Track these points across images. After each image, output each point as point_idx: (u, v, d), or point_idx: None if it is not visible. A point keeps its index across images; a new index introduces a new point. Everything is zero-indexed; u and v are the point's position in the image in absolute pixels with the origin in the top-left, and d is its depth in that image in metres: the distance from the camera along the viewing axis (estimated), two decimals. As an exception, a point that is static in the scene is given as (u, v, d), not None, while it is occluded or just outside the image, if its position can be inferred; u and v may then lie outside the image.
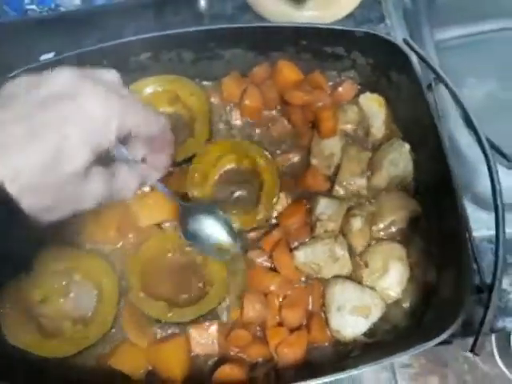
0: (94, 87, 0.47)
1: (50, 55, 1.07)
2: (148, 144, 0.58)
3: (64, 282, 0.77)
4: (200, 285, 0.78)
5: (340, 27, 0.85)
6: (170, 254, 0.79)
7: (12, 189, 0.42)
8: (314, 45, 0.90)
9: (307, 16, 1.08)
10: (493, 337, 1.68)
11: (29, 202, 0.44)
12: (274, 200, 0.81)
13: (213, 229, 0.74)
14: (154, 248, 0.78)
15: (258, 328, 0.76)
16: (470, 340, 0.88)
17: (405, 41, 0.82)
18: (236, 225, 0.78)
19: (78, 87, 0.47)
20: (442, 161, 0.75)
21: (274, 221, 0.85)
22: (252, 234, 0.81)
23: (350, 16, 1.10)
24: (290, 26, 0.87)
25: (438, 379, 1.65)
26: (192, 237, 0.73)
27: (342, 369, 0.64)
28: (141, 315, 0.75)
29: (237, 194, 0.86)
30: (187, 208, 0.73)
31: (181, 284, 0.78)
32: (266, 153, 0.84)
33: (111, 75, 0.52)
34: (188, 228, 0.73)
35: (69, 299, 0.77)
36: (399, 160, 0.83)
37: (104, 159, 0.51)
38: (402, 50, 0.82)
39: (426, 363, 1.67)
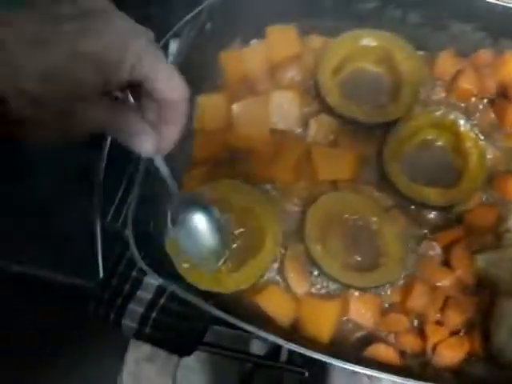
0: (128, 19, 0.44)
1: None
2: (161, 110, 0.49)
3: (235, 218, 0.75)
4: (373, 253, 0.73)
5: None
6: (346, 215, 0.75)
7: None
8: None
9: None
10: None
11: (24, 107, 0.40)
12: (477, 185, 0.76)
13: (206, 230, 0.62)
14: (333, 203, 0.75)
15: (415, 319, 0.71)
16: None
17: None
18: (435, 200, 0.75)
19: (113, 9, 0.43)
20: None
21: (452, 215, 0.78)
22: (434, 215, 0.76)
23: None
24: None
25: None
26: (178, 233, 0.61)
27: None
28: (304, 265, 0.72)
29: (431, 167, 0.81)
30: (185, 199, 0.60)
31: (354, 247, 0.75)
32: (480, 136, 0.77)
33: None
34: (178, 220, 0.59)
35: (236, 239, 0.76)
36: None
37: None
38: None
39: None
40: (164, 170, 0.52)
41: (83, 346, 1.20)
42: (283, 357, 0.90)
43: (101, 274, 0.74)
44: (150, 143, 0.46)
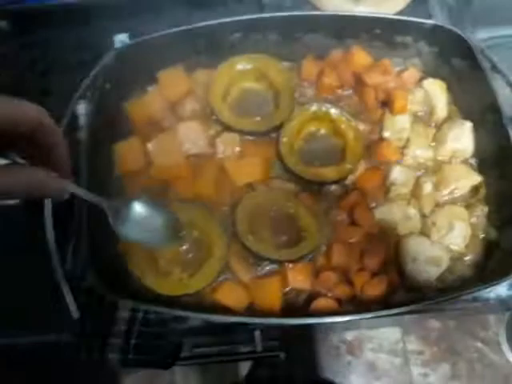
0: None
1: (124, 36, 1.19)
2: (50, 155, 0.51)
3: (183, 233, 0.87)
4: (295, 231, 0.89)
5: (415, 19, 0.98)
6: (267, 207, 0.91)
7: None
8: (386, 34, 1.03)
9: (362, 11, 1.19)
10: (502, 328, 1.82)
11: None
12: (358, 156, 0.94)
13: (148, 209, 0.66)
14: (254, 201, 0.90)
15: (341, 272, 0.88)
16: (482, 330, 1.00)
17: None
18: (330, 176, 0.93)
19: None
20: (502, 132, 0.87)
21: (348, 184, 0.96)
22: (333, 188, 0.94)
23: (399, 14, 1.21)
24: (369, 17, 0.99)
25: (449, 366, 1.78)
26: (131, 235, 0.65)
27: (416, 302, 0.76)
28: (246, 257, 0.86)
29: (321, 151, 0.99)
30: (117, 207, 0.63)
31: (280, 230, 0.90)
32: (349, 117, 0.97)
33: None
34: (123, 229, 0.63)
35: (182, 250, 0.89)
36: (461, 135, 0.96)
37: None
38: (466, 40, 0.95)
39: (437, 350, 1.80)
40: (80, 192, 0.56)
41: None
42: (258, 348, 1.01)
43: (75, 316, 0.82)
44: (61, 181, 0.50)
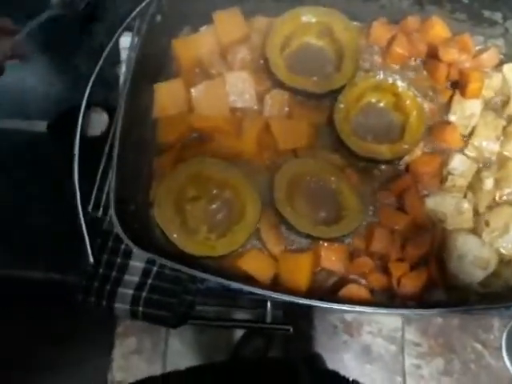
0: None
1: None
2: None
3: (215, 191, 0.82)
4: (335, 208, 0.82)
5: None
6: (307, 178, 0.83)
7: None
8: (474, 5, 0.91)
9: None
10: (504, 333, 1.75)
11: None
12: (418, 137, 0.85)
13: None
14: (295, 169, 0.83)
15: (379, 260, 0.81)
16: (484, 332, 0.93)
17: None
18: (384, 155, 0.84)
19: None
20: None
21: (400, 166, 0.87)
22: (384, 168, 0.86)
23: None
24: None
25: (444, 362, 1.73)
26: None
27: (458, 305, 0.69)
28: (277, 226, 0.80)
29: (377, 125, 0.90)
30: None
31: (319, 204, 0.83)
32: (416, 93, 0.87)
33: None
34: None
35: (212, 208, 0.83)
36: (536, 132, 0.86)
37: None
38: None
39: (434, 345, 1.75)
40: None
41: (69, 345, 1.24)
42: (268, 319, 0.98)
43: (91, 260, 0.78)
44: None
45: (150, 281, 0.87)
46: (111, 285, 0.87)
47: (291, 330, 0.90)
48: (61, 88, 1.10)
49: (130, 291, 0.87)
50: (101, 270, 0.89)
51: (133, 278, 0.88)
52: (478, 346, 1.76)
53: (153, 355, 1.57)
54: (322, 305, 0.71)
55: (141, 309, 0.85)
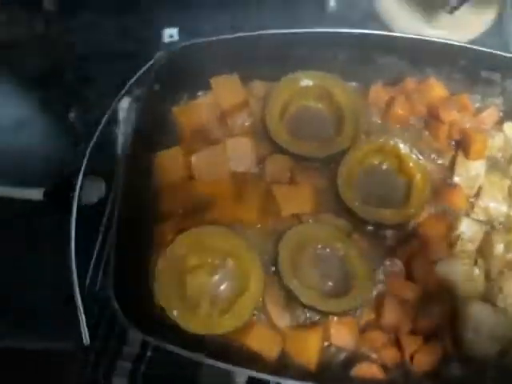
0: None
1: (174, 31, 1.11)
2: None
3: (217, 261, 0.79)
4: (344, 277, 0.80)
5: (508, 54, 0.86)
6: (313, 245, 0.80)
7: None
8: (471, 67, 0.91)
9: (436, 35, 1.07)
10: None
11: None
12: (424, 200, 0.83)
13: None
14: (300, 236, 0.80)
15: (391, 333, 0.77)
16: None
17: None
18: (391, 219, 0.82)
19: None
20: None
21: (408, 229, 0.85)
22: (391, 233, 0.83)
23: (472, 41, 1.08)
24: (456, 45, 0.88)
25: None
26: None
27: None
28: (283, 299, 0.76)
29: (380, 189, 0.88)
30: None
31: (326, 274, 0.81)
32: (418, 155, 0.86)
33: None
34: None
35: (213, 280, 0.79)
36: (543, 192, 0.84)
37: None
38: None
39: None
40: None
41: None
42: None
43: (86, 340, 0.74)
44: None
45: (149, 352, 0.84)
46: (109, 358, 0.83)
47: None
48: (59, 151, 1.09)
49: (129, 364, 0.82)
50: (98, 344, 0.85)
51: (132, 349, 0.84)
52: None
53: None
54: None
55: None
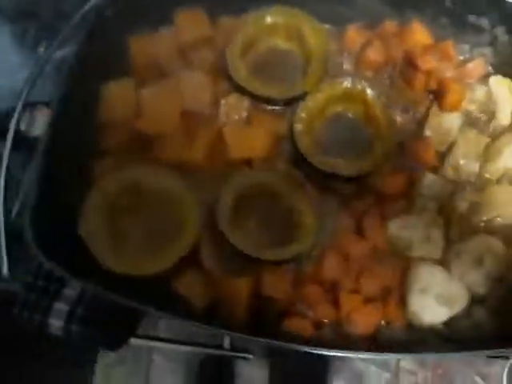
0: None
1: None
2: None
3: (153, 204, 0.75)
4: (288, 227, 0.74)
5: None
6: (261, 192, 0.75)
7: None
8: (458, 9, 0.82)
9: None
10: (506, 368, 1.62)
11: None
12: (388, 153, 0.78)
13: None
14: (247, 182, 0.75)
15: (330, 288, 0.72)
16: (486, 366, 0.84)
17: None
18: (347, 170, 0.75)
19: None
20: None
21: (367, 183, 0.79)
22: (348, 185, 0.78)
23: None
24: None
25: None
26: None
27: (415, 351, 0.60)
28: (220, 246, 0.71)
29: (344, 138, 0.82)
30: None
31: (270, 223, 0.76)
32: (387, 104, 0.80)
33: None
34: None
35: (148, 222, 0.75)
36: (522, 153, 0.76)
37: None
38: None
39: (431, 375, 1.63)
40: None
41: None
42: (226, 342, 0.90)
43: (5, 271, 0.71)
44: None
45: (87, 295, 0.80)
46: (48, 299, 0.80)
47: (251, 357, 0.85)
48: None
49: (67, 307, 0.80)
50: (40, 282, 0.82)
51: (71, 291, 0.82)
52: (479, 380, 1.65)
53: (136, 367, 1.48)
54: (257, 339, 0.62)
55: (74, 327, 0.78)
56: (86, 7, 0.82)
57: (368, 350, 0.64)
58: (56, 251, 0.66)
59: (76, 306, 0.80)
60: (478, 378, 1.63)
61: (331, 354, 0.61)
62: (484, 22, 0.82)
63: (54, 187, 0.71)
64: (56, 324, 0.79)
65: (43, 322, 0.79)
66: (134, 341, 0.90)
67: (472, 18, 0.82)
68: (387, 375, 1.63)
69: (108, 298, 0.65)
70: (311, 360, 0.92)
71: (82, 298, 0.81)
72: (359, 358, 1.51)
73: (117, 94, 0.81)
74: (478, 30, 0.83)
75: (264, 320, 0.71)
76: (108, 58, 0.83)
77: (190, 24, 0.86)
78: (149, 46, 0.85)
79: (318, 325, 0.70)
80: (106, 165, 0.78)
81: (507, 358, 0.92)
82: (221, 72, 0.85)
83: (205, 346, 0.94)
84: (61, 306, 0.80)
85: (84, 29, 0.78)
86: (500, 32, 0.83)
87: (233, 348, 0.89)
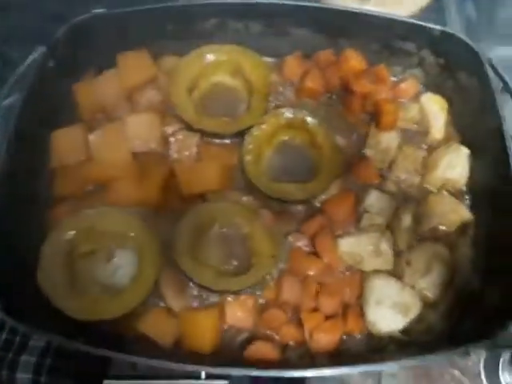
0: None
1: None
2: None
3: (111, 246, 0.76)
4: (247, 255, 0.76)
5: (418, 22, 0.84)
6: (217, 224, 0.77)
7: None
8: (385, 37, 0.88)
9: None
10: (482, 359, 1.67)
11: None
12: (333, 175, 0.81)
13: None
14: (202, 215, 0.77)
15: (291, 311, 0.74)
16: (462, 359, 0.88)
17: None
18: (297, 195, 0.79)
19: None
20: (504, 164, 0.73)
21: (317, 204, 0.82)
22: (299, 209, 0.80)
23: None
24: (366, 14, 0.85)
25: None
26: None
27: (376, 361, 0.62)
28: (180, 281, 0.73)
29: (292, 164, 0.85)
30: None
31: (229, 253, 0.77)
32: (327, 129, 0.83)
33: None
34: None
35: (110, 264, 0.76)
36: (457, 163, 0.82)
37: None
38: (477, 53, 0.80)
39: (412, 376, 1.66)
40: None
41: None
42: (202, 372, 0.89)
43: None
44: None
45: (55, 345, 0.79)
46: (13, 353, 0.79)
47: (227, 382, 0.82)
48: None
49: (33, 358, 0.78)
50: (4, 336, 0.81)
51: (38, 342, 0.80)
52: (457, 373, 1.68)
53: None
54: (219, 371, 0.63)
55: (43, 379, 0.76)
56: (30, 57, 0.83)
57: (334, 364, 0.65)
58: (17, 305, 0.66)
59: (43, 356, 0.79)
60: (456, 372, 1.67)
61: (295, 375, 0.62)
62: (411, 46, 0.88)
63: (9, 242, 0.71)
64: (24, 377, 0.78)
65: (11, 377, 0.78)
66: (108, 383, 0.88)
67: (399, 43, 0.88)
68: (370, 381, 1.65)
69: (73, 346, 0.65)
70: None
71: (49, 347, 0.80)
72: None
73: (65, 141, 0.82)
74: (406, 53, 0.90)
75: (230, 347, 0.72)
76: (55, 105, 0.84)
77: (133, 65, 0.88)
78: (93, 90, 0.87)
79: (283, 347, 0.71)
80: (60, 212, 0.78)
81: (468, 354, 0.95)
82: (168, 110, 0.88)
83: (183, 377, 0.93)
84: (28, 359, 0.79)
85: (30, 77, 0.78)
86: (426, 54, 0.89)
87: (208, 376, 0.88)
